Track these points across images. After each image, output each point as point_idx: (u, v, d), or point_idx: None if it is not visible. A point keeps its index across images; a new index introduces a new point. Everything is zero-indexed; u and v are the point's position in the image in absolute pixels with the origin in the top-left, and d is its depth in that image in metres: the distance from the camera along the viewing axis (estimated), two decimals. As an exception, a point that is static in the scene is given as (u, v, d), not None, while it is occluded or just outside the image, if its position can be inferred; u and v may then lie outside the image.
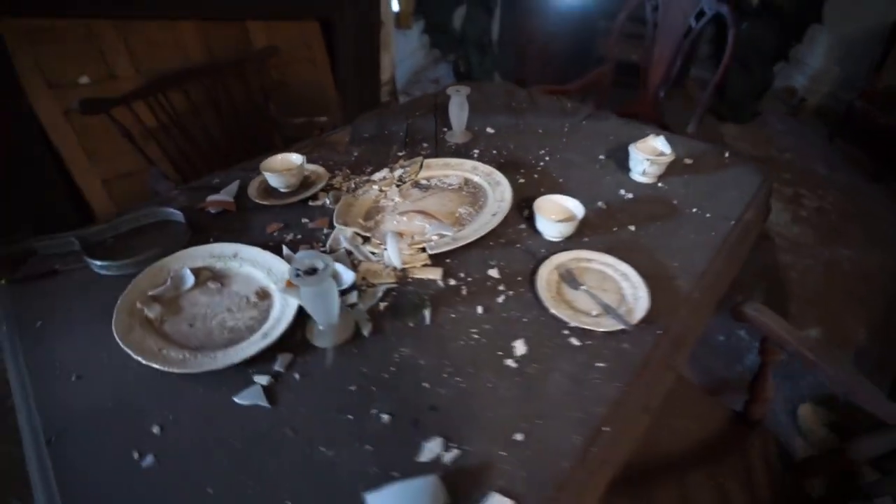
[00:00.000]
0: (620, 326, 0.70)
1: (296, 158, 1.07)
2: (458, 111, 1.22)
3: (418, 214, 0.94)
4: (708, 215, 1.00)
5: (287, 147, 1.26)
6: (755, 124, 3.24)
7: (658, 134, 1.11)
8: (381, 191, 1.04)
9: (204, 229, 0.98)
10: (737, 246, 0.96)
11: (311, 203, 1.04)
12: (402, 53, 3.75)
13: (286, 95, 2.46)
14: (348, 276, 0.81)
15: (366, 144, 1.29)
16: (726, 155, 1.23)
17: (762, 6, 2.85)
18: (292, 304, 0.76)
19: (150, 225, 1.01)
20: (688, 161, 1.19)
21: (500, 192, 1.00)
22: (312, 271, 0.65)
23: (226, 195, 1.07)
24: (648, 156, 1.04)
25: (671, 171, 1.13)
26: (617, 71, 1.82)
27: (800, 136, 3.09)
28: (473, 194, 1.03)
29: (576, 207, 0.90)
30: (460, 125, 1.26)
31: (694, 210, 1.01)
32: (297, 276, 0.64)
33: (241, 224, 1.00)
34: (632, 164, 1.09)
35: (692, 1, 1.61)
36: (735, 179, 1.13)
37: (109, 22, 1.87)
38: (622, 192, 1.06)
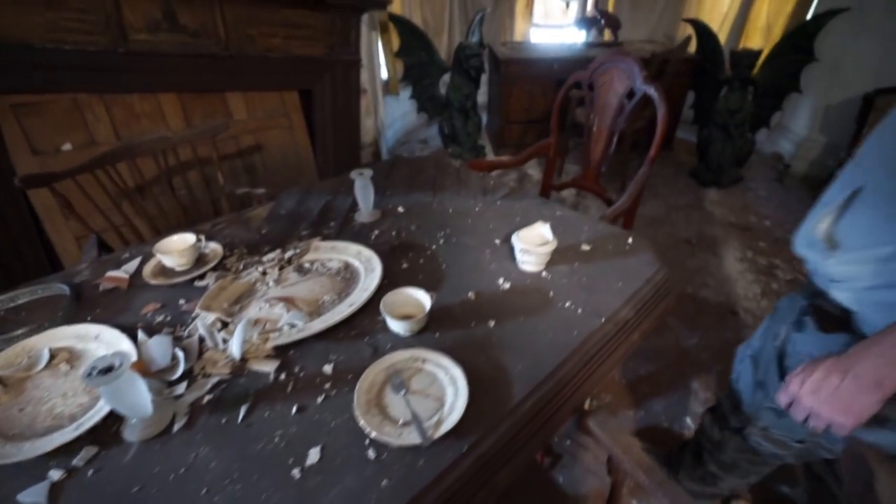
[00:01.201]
0: (417, 441, 0.69)
1: (189, 238, 1.13)
2: (363, 193, 1.27)
3: (281, 301, 0.96)
4: (580, 311, 0.98)
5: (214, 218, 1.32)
6: (738, 189, 3.19)
7: (546, 221, 1.11)
8: (263, 273, 1.08)
9: (91, 305, 1.03)
10: (602, 347, 0.93)
11: (196, 284, 1.09)
12: (394, 116, 3.95)
13: (262, 159, 2.62)
14: (181, 367, 0.82)
15: (279, 222, 1.35)
16: (629, 241, 1.21)
17: (734, 76, 2.87)
18: (116, 394, 0.78)
19: (45, 298, 1.07)
20: (586, 247, 1.19)
21: (369, 281, 1.01)
22: (109, 370, 0.67)
23: (123, 272, 1.13)
24: (525, 245, 1.05)
25: (564, 258, 1.13)
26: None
27: (783, 203, 3.02)
28: (348, 280, 1.05)
29: (425, 301, 0.90)
30: (367, 206, 1.30)
31: (567, 304, 0.99)
32: (89, 375, 0.66)
33: (124, 302, 1.04)
34: (515, 251, 1.09)
35: (623, 82, 1.65)
36: (627, 271, 1.10)
37: (95, 94, 2.06)
38: (501, 280, 1.06)
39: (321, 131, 2.79)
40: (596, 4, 3.75)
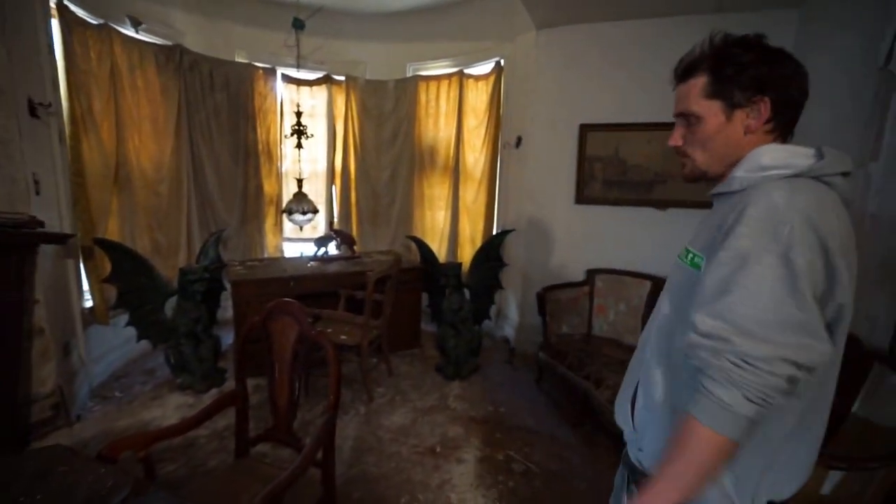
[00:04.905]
0: None
1: None
2: None
3: None
4: None
5: None
6: (477, 379, 3.48)
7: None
8: None
9: None
10: None
11: None
12: (109, 346, 3.32)
13: None
14: None
15: None
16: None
17: (448, 282, 3.37)
18: None
19: None
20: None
21: None
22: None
23: None
24: None
25: None
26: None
27: (514, 385, 3.38)
28: None
29: None
30: None
31: None
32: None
33: None
34: None
35: (293, 329, 1.64)
36: None
37: None
38: None
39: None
40: (331, 225, 4.17)
